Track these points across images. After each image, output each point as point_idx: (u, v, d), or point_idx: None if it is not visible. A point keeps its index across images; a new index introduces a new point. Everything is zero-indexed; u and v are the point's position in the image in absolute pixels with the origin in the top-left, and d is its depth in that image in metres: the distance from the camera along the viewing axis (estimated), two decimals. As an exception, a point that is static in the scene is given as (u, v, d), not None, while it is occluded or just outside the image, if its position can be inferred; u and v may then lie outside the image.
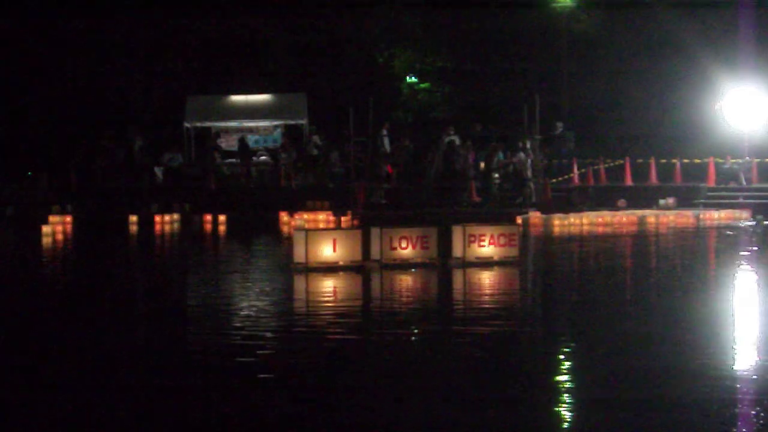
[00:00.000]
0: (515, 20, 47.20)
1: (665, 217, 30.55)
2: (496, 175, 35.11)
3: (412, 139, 39.23)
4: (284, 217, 31.85)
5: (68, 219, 30.81)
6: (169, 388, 9.73)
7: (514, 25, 47.18)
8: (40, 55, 44.95)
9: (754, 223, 29.21)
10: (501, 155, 35.80)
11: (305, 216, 31.74)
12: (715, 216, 31.58)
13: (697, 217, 30.95)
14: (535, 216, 30.54)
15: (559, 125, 39.51)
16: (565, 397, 9.37)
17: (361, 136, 35.82)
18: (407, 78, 50.69)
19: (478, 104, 46.50)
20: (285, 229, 29.65)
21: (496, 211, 31.46)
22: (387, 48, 50.13)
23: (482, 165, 35.51)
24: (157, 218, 31.39)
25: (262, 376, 10.11)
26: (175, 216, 32.00)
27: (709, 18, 44.03)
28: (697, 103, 40.53)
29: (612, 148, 40.95)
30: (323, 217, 31.63)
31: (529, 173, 35.42)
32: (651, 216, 30.58)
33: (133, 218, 31.20)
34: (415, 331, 12.68)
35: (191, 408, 9.04)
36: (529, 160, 35.53)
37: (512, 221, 27.28)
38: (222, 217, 31.72)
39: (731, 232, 26.97)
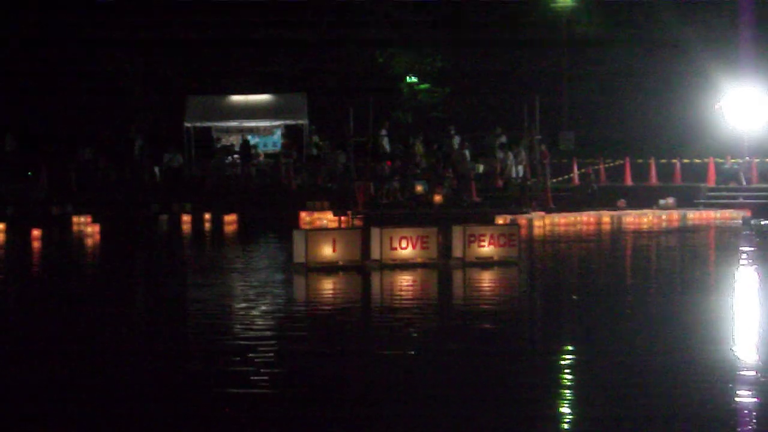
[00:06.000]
0: (516, 20, 47.25)
1: (648, 218, 30.44)
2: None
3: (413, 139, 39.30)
4: (306, 217, 31.85)
5: (89, 220, 30.58)
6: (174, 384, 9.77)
7: (514, 25, 47.23)
8: (41, 54, 44.96)
9: (743, 224, 29.16)
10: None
11: (315, 215, 31.84)
12: (707, 216, 31.59)
13: (685, 217, 30.94)
14: (523, 217, 30.29)
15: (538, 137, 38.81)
16: (564, 396, 9.38)
17: (361, 136, 35.85)
18: (407, 78, 50.73)
19: (477, 105, 46.56)
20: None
21: (488, 211, 31.35)
22: (387, 48, 50.17)
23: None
24: (186, 218, 31.89)
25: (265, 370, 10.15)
26: (207, 216, 32.22)
27: (709, 18, 44.06)
28: (697, 103, 40.57)
29: (612, 148, 40.97)
30: (343, 218, 31.69)
31: (514, 173, 35.44)
32: (639, 216, 30.54)
33: (164, 217, 31.87)
34: (414, 334, 12.69)
35: (193, 408, 9.07)
36: (510, 161, 35.56)
37: (492, 221, 27.17)
38: (232, 217, 31.81)
39: (728, 233, 26.97)
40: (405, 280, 17.27)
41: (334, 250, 18.17)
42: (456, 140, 37.63)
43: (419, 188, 34.79)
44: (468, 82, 48.24)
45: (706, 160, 37.49)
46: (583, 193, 36.06)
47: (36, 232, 26.32)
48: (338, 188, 36.26)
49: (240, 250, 24.50)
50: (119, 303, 15.57)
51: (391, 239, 18.57)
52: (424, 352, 11.41)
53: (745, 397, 9.09)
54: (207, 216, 31.99)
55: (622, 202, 34.27)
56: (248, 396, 9.34)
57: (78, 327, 13.30)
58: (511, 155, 36.29)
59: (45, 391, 9.62)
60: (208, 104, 41.34)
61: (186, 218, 31.91)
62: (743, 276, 17.92)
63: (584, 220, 30.37)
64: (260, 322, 13.28)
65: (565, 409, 8.94)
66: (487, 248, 18.96)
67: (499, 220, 28.29)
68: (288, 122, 40.98)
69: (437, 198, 34.00)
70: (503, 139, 37.51)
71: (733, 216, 31.36)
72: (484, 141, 38.76)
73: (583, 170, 38.79)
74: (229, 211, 32.02)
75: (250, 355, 11.06)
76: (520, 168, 36.17)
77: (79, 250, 24.78)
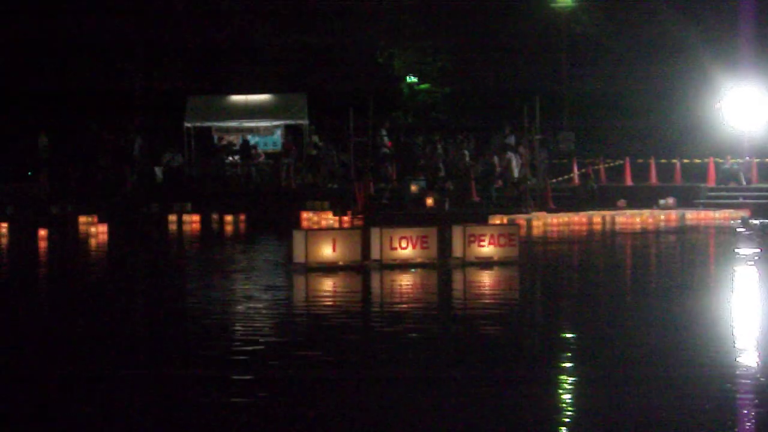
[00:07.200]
0: (516, 20, 47.21)
1: (647, 218, 30.43)
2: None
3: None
4: (313, 217, 31.79)
5: (95, 219, 30.42)
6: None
7: (514, 25, 47.18)
8: (41, 54, 44.94)
9: (742, 223, 29.15)
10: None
11: (321, 215, 31.83)
12: (706, 216, 31.60)
13: (684, 217, 30.96)
14: (521, 217, 30.21)
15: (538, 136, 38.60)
16: (564, 397, 9.39)
17: (361, 136, 35.82)
18: (407, 78, 50.70)
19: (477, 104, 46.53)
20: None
21: (489, 212, 31.28)
22: (387, 48, 50.13)
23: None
24: (190, 218, 31.92)
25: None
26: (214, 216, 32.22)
27: (709, 18, 44.02)
28: (697, 103, 40.52)
29: (612, 148, 40.95)
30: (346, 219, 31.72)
31: (516, 173, 35.41)
32: (637, 216, 30.56)
33: (172, 217, 31.86)
34: (413, 335, 12.67)
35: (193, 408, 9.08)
36: (514, 160, 35.52)
37: (486, 221, 27.10)
38: (233, 217, 31.77)
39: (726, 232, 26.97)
40: (405, 280, 17.27)
41: (334, 250, 18.18)
42: (466, 153, 37.37)
43: (414, 188, 34.76)
44: (468, 82, 48.22)
45: (706, 160, 37.48)
46: (583, 193, 36.04)
47: (42, 232, 26.24)
48: (338, 188, 36.25)
49: (241, 249, 24.52)
50: (122, 304, 15.60)
51: (391, 239, 18.58)
52: (424, 352, 11.42)
53: (745, 399, 9.09)
54: (211, 216, 32.01)
55: (622, 202, 34.27)
56: (248, 397, 9.34)
57: (79, 328, 13.31)
58: (510, 155, 36.25)
59: (45, 393, 9.63)
60: (208, 104, 41.33)
61: (187, 218, 31.88)
62: (742, 276, 17.92)
63: (584, 220, 30.36)
64: (260, 323, 13.29)
65: (564, 410, 8.94)
66: (487, 248, 18.97)
67: (496, 221, 28.23)
68: (288, 122, 40.96)
69: (429, 201, 34.02)
70: (511, 139, 37.46)
71: (733, 216, 31.37)
72: (491, 140, 38.75)
73: (583, 170, 38.76)
74: (228, 211, 32.01)
75: (250, 357, 11.07)
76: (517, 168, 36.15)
77: (87, 249, 24.79)
